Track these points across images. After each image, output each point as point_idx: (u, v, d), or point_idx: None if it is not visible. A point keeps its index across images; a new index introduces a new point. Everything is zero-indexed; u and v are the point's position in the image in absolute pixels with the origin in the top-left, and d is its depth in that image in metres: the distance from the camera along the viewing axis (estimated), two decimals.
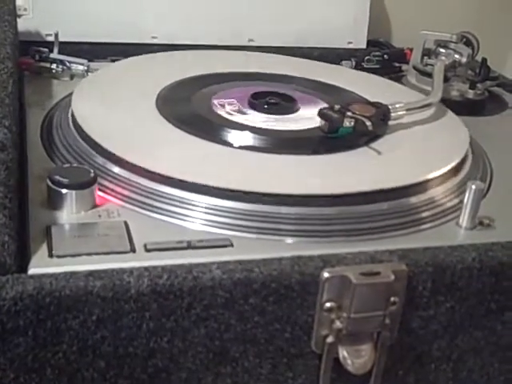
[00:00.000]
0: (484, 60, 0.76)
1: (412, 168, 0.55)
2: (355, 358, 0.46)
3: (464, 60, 0.76)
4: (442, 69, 0.73)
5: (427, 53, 0.79)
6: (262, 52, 0.83)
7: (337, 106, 0.59)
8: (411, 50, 0.84)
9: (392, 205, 0.51)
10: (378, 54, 0.86)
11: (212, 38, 0.85)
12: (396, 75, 0.84)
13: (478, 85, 0.75)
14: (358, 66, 0.84)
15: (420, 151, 0.59)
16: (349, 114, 0.57)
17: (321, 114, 0.58)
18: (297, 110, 0.64)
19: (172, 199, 0.49)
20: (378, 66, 0.85)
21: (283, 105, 0.64)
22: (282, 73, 0.74)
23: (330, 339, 0.45)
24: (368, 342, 0.46)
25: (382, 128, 0.60)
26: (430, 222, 0.51)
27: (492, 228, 0.52)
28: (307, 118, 0.62)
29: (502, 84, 0.80)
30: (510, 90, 0.81)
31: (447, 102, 0.70)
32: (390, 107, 0.61)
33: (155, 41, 0.85)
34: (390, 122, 0.61)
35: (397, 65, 0.86)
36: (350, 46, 0.92)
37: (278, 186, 0.49)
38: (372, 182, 0.51)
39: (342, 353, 0.46)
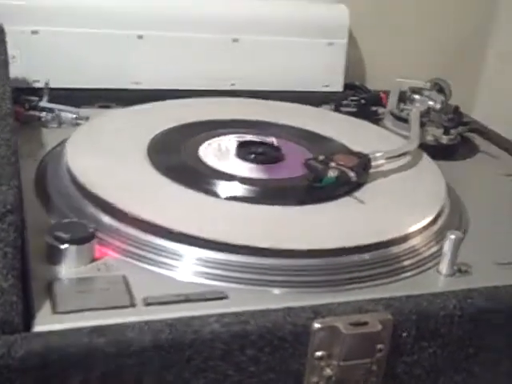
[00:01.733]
0: (456, 107, 0.80)
1: (393, 219, 0.58)
2: None
3: (438, 106, 0.80)
4: (418, 115, 0.77)
5: (402, 99, 0.83)
6: (244, 95, 0.86)
7: (321, 157, 0.62)
8: (386, 93, 0.88)
9: (375, 255, 0.54)
10: (355, 98, 0.89)
11: (194, 82, 0.88)
12: (373, 119, 0.87)
13: (452, 130, 0.79)
14: (337, 110, 0.88)
15: (400, 200, 0.62)
16: (332, 164, 0.60)
17: (306, 164, 0.61)
18: (281, 159, 0.67)
19: (168, 252, 0.51)
20: (355, 110, 0.89)
21: (269, 154, 0.67)
22: (268, 120, 0.77)
23: None
24: None
25: (364, 177, 0.63)
26: (412, 270, 0.54)
27: (469, 274, 0.55)
28: (291, 167, 0.65)
29: (473, 129, 0.84)
30: (481, 134, 0.85)
31: (422, 147, 0.74)
32: (370, 157, 0.64)
33: (138, 86, 0.87)
34: (371, 170, 0.65)
35: (373, 109, 0.89)
36: (327, 89, 0.96)
37: (268, 240, 0.52)
38: (357, 235, 0.54)
39: None
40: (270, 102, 0.83)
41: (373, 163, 0.64)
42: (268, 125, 0.76)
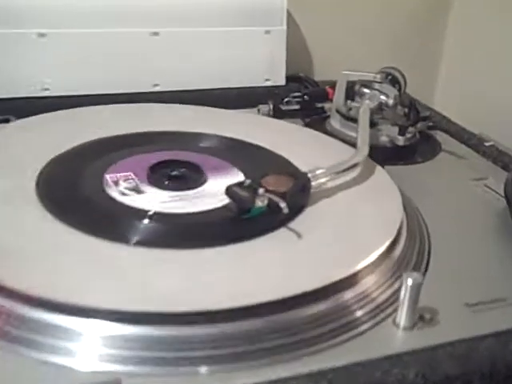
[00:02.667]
0: (412, 102, 0.68)
1: (335, 258, 0.47)
2: None
3: (391, 101, 0.69)
4: (368, 115, 0.66)
5: (350, 94, 0.72)
6: (169, 97, 0.75)
7: (247, 181, 0.50)
8: (333, 87, 0.77)
9: (314, 310, 0.42)
10: (297, 94, 0.78)
11: (111, 85, 0.76)
12: (319, 117, 0.76)
13: (409, 128, 0.68)
14: (277, 109, 0.76)
15: (346, 230, 0.50)
16: (261, 191, 0.49)
17: (228, 192, 0.50)
18: (204, 182, 0.55)
19: (49, 328, 0.40)
20: (298, 108, 0.77)
21: (188, 177, 0.55)
22: (190, 130, 0.65)
23: None
24: None
25: (302, 200, 0.52)
26: (362, 325, 0.43)
27: (435, 323, 0.44)
28: (216, 192, 0.53)
29: (433, 127, 0.73)
30: (444, 130, 0.74)
31: (376, 149, 0.63)
32: (309, 176, 0.53)
33: (48, 93, 0.75)
34: (312, 190, 0.53)
35: (319, 105, 0.78)
36: (268, 83, 0.84)
37: (178, 302, 0.41)
38: (291, 284, 0.43)
39: None
40: (193, 107, 0.71)
41: (313, 183, 0.53)
42: (191, 136, 0.63)
